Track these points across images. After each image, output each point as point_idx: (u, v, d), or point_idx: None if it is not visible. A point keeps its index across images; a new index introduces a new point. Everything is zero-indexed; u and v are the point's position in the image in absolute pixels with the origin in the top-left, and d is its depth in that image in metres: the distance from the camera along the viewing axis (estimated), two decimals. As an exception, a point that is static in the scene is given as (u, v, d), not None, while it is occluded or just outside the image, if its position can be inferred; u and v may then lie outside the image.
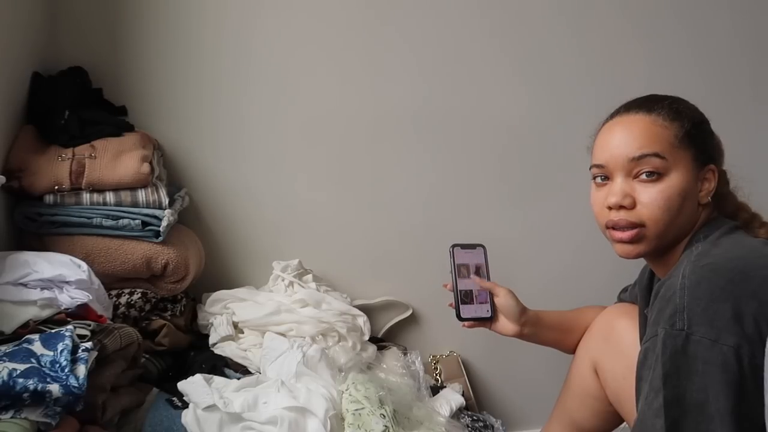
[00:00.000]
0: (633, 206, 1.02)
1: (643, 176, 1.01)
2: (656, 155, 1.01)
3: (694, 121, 1.06)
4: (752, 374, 0.84)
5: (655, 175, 1.01)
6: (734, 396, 0.84)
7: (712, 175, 1.05)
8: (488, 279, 1.27)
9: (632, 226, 1.02)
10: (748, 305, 0.87)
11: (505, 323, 1.26)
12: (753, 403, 0.84)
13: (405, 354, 1.58)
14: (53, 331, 0.98)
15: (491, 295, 1.26)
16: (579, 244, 1.72)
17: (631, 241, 1.03)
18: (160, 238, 1.37)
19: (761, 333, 0.85)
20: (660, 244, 1.04)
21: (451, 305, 1.26)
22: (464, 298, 1.26)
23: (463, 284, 1.26)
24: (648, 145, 1.01)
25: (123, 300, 1.35)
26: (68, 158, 1.35)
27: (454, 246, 1.27)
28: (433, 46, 1.68)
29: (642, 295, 1.20)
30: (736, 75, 1.76)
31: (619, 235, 1.04)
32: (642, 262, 1.21)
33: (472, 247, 1.28)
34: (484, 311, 1.26)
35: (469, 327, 1.27)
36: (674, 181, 1.01)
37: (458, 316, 1.25)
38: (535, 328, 1.27)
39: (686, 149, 1.02)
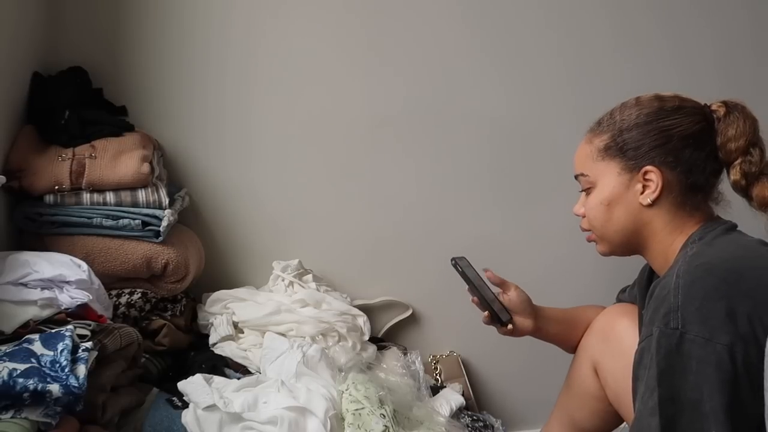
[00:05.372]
0: (584, 215, 1.15)
1: (584, 191, 1.15)
2: (581, 174, 1.13)
3: (623, 127, 1.08)
4: (746, 373, 0.84)
5: (588, 190, 1.13)
6: (728, 394, 0.84)
7: (655, 176, 1.05)
8: (485, 282, 1.27)
9: (586, 231, 1.17)
10: (742, 304, 0.87)
11: (522, 321, 1.27)
12: (747, 402, 0.84)
13: (405, 354, 1.58)
14: (53, 331, 0.98)
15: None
16: (577, 243, 1.72)
17: (594, 242, 1.16)
18: (160, 238, 1.37)
19: (755, 332, 0.86)
20: (614, 244, 1.13)
21: (487, 316, 1.25)
22: (494, 303, 1.24)
23: (484, 291, 1.23)
24: (577, 167, 1.15)
25: (123, 300, 1.35)
26: (68, 158, 1.35)
27: (455, 258, 1.25)
28: (432, 49, 1.68)
29: (641, 295, 1.20)
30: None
31: (586, 236, 1.18)
32: (640, 264, 1.22)
33: (461, 258, 1.27)
34: (506, 313, 1.25)
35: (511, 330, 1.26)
36: (599, 191, 1.10)
37: (501, 321, 1.24)
38: (542, 322, 1.28)
39: (611, 159, 1.09)
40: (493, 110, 1.72)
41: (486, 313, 1.25)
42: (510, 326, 1.25)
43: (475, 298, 1.25)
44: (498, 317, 1.24)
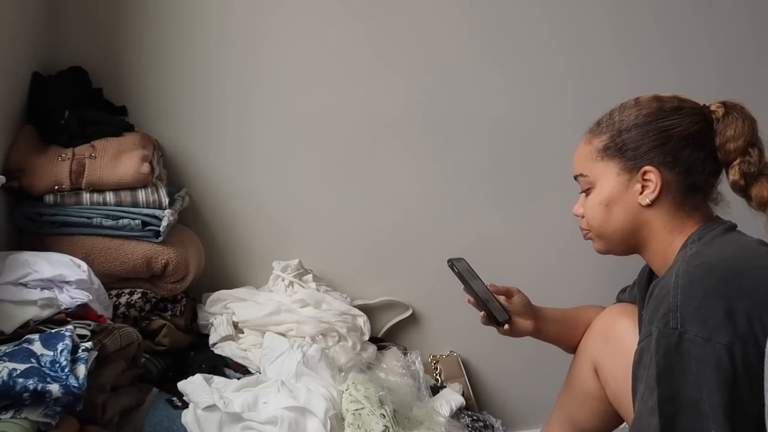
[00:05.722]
0: (584, 215, 1.16)
1: (583, 192, 1.15)
2: (581, 175, 1.14)
3: (622, 128, 1.08)
4: (745, 372, 0.85)
5: (587, 190, 1.14)
6: (727, 394, 0.84)
7: (654, 176, 1.05)
8: (483, 283, 1.27)
9: (585, 230, 1.17)
10: (741, 304, 0.88)
11: (522, 322, 1.27)
12: (746, 401, 0.84)
13: (405, 354, 1.58)
14: (53, 331, 0.98)
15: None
16: (577, 243, 1.72)
17: (592, 240, 1.17)
18: (160, 238, 1.37)
19: (754, 332, 0.86)
20: (612, 243, 1.13)
21: (484, 316, 1.24)
22: (491, 303, 1.24)
23: (480, 291, 1.24)
24: (577, 167, 1.16)
25: (123, 300, 1.35)
26: (68, 158, 1.35)
27: (451, 259, 1.25)
28: (433, 50, 1.68)
29: (641, 295, 1.20)
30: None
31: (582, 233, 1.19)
32: (640, 264, 1.22)
33: (458, 259, 1.27)
34: (504, 313, 1.25)
35: (509, 330, 1.26)
36: (598, 192, 1.11)
37: (498, 321, 1.23)
38: (542, 323, 1.29)
39: (610, 159, 1.10)
40: (494, 111, 1.72)
41: (482, 313, 1.25)
42: (506, 326, 1.25)
43: (471, 299, 1.25)
44: (494, 317, 1.24)
